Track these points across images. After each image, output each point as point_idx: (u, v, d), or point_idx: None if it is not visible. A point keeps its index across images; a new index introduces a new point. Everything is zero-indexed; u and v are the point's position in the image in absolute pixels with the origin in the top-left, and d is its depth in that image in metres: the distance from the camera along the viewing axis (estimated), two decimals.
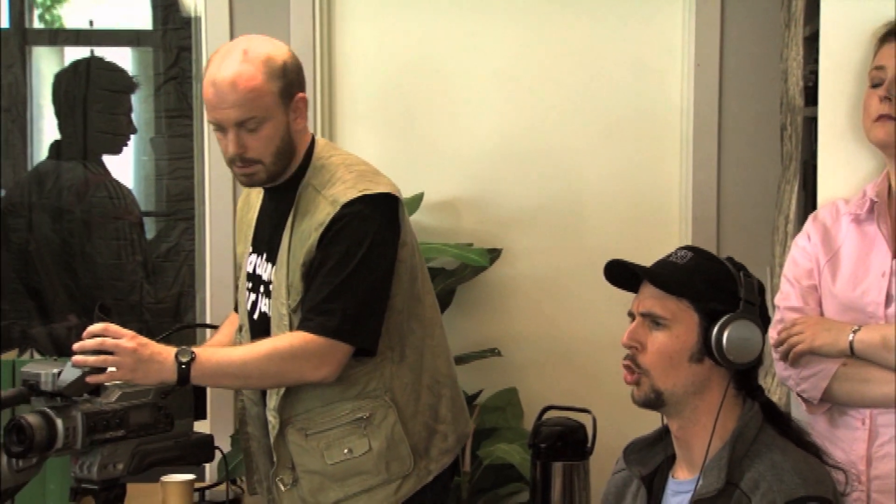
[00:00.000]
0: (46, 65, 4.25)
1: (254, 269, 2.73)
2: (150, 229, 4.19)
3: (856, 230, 2.54)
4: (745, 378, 2.10)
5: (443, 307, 2.95)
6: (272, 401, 2.66)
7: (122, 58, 4.20)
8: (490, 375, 3.72)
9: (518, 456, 3.33)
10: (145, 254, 4.12)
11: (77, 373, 2.36)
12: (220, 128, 2.58)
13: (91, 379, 2.37)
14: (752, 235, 3.62)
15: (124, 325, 2.47)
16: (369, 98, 3.81)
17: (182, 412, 2.55)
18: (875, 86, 2.51)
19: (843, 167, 2.68)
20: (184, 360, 2.45)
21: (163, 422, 2.49)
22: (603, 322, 3.67)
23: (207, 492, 3.23)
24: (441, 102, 3.80)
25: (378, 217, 2.58)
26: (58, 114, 4.12)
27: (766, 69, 3.60)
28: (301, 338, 2.54)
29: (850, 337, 2.43)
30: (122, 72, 4.16)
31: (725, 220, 3.74)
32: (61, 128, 4.11)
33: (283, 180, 2.66)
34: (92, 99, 4.09)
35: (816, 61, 2.76)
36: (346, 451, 2.63)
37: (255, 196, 2.79)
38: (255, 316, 2.72)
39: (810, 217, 2.65)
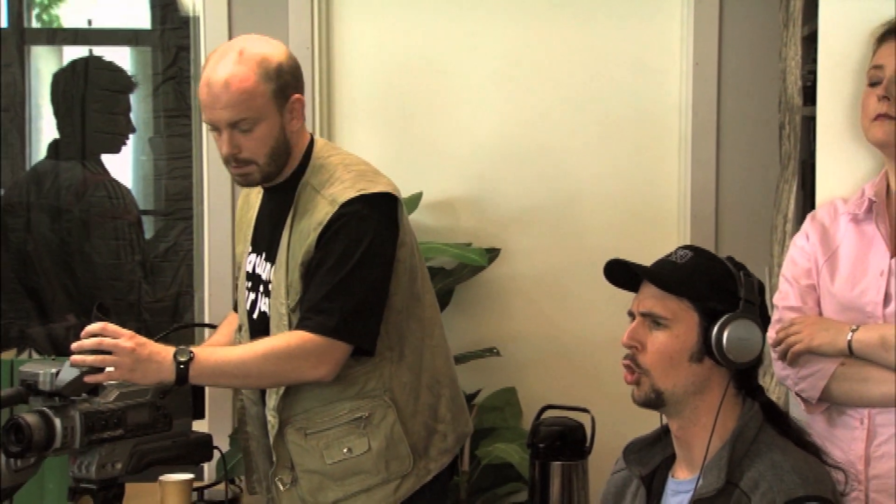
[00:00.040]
0: (45, 64, 4.25)
1: (253, 269, 2.73)
2: (149, 229, 4.19)
3: (854, 230, 2.54)
4: (745, 378, 2.10)
5: (441, 307, 2.95)
6: (272, 400, 2.66)
7: (121, 57, 4.20)
8: (488, 375, 3.72)
9: (517, 455, 3.33)
10: (144, 253, 4.12)
11: (75, 372, 2.36)
12: (214, 128, 2.58)
13: (89, 379, 2.37)
14: (751, 235, 3.62)
15: (123, 324, 2.47)
16: (368, 97, 3.81)
17: (180, 412, 2.55)
18: (873, 85, 2.51)
19: (842, 166, 2.68)
20: (182, 359, 2.44)
21: (161, 421, 2.49)
22: (601, 321, 3.67)
23: (206, 491, 3.23)
24: (440, 102, 3.80)
25: (377, 217, 2.58)
26: (56, 113, 4.12)
27: (765, 68, 3.60)
28: (299, 337, 2.54)
29: (849, 336, 2.43)
30: (120, 71, 4.16)
31: (724, 219, 3.74)
32: (60, 127, 4.11)
33: (282, 180, 2.66)
34: (90, 98, 4.09)
35: (815, 61, 2.76)
36: (345, 450, 2.63)
37: (255, 196, 2.79)
38: (255, 315, 2.72)
39: (809, 216, 2.65)
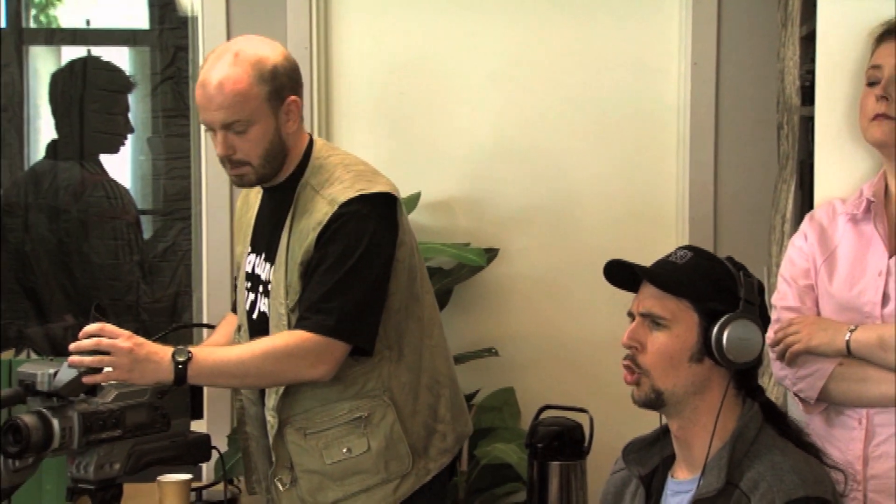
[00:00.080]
0: (43, 64, 4.25)
1: (252, 269, 2.73)
2: (147, 229, 4.19)
3: (852, 230, 2.54)
4: (745, 378, 2.10)
5: (440, 307, 2.94)
6: (271, 400, 2.66)
7: (119, 57, 4.19)
8: (487, 375, 3.72)
9: (515, 456, 3.33)
10: (142, 253, 4.12)
11: (73, 373, 2.35)
12: (210, 128, 2.58)
13: (87, 379, 2.37)
14: (749, 235, 3.62)
15: (121, 324, 2.47)
16: (366, 98, 3.80)
17: (178, 412, 2.55)
18: (871, 85, 2.51)
19: (840, 167, 2.68)
20: (181, 359, 2.44)
21: (159, 421, 2.49)
22: (600, 322, 3.67)
23: (204, 491, 3.23)
24: (438, 102, 3.80)
25: (376, 216, 2.58)
26: (54, 113, 4.11)
27: (763, 68, 3.60)
28: (298, 336, 2.54)
29: (847, 336, 2.43)
30: (118, 71, 4.15)
31: (722, 219, 3.74)
32: (58, 127, 4.11)
33: (281, 180, 2.66)
34: (89, 98, 4.08)
35: (813, 61, 2.76)
36: (344, 450, 2.63)
37: (255, 196, 2.79)
38: (254, 316, 2.72)
39: (807, 217, 2.65)
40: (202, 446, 2.60)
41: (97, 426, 2.37)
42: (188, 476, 2.86)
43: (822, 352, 2.46)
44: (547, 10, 3.78)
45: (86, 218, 4.08)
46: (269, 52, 2.59)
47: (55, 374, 2.35)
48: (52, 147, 4.10)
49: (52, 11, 4.34)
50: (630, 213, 3.79)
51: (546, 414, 2.68)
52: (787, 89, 3.18)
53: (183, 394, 2.55)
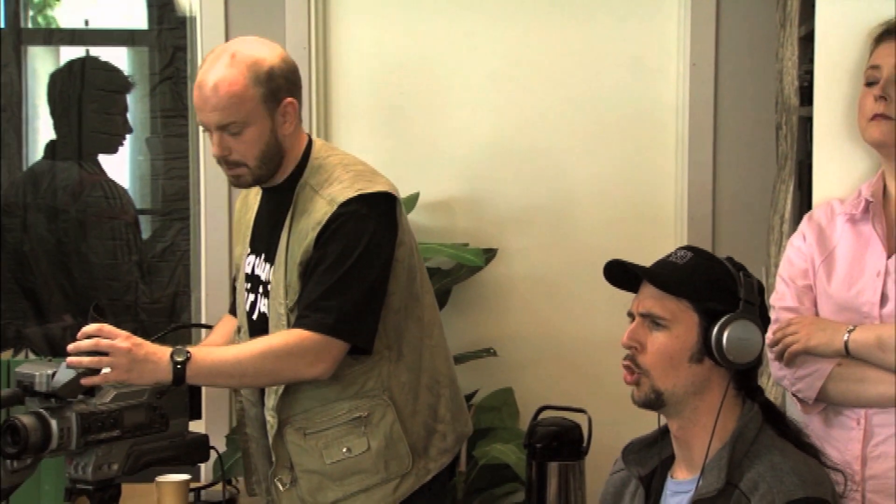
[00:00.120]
0: (41, 64, 4.24)
1: (252, 270, 2.73)
2: (146, 229, 4.18)
3: (851, 230, 2.54)
4: (744, 378, 2.10)
5: (438, 307, 2.94)
6: (270, 400, 2.66)
7: (118, 57, 4.19)
8: (486, 375, 3.72)
9: (514, 456, 3.33)
10: (141, 254, 4.11)
11: (72, 374, 2.35)
12: (206, 129, 2.59)
13: (86, 381, 2.37)
14: (748, 235, 3.62)
15: (120, 325, 2.47)
16: (365, 98, 3.80)
17: (177, 412, 2.55)
18: (870, 85, 2.51)
19: (839, 167, 2.68)
20: (179, 359, 2.44)
21: (158, 422, 2.49)
22: (599, 322, 3.67)
23: (203, 492, 3.22)
24: (437, 102, 3.80)
25: (375, 216, 2.58)
26: (53, 113, 4.11)
27: (762, 69, 3.60)
28: (296, 335, 2.54)
29: (845, 337, 2.43)
30: (117, 71, 4.15)
31: (721, 219, 3.74)
32: (56, 128, 4.10)
33: (280, 181, 2.66)
34: (87, 99, 4.08)
35: (812, 61, 2.76)
36: (344, 450, 2.63)
37: (254, 197, 2.79)
38: (255, 317, 2.72)
39: (805, 217, 2.65)
40: (200, 447, 2.60)
41: (95, 427, 2.37)
42: (186, 476, 2.86)
43: (820, 352, 2.46)
44: (546, 11, 3.78)
45: (84, 218, 4.08)
46: (266, 53, 2.58)
47: (53, 374, 2.35)
48: (51, 147, 4.10)
49: (50, 12, 4.34)
50: (628, 214, 3.79)
51: (545, 414, 2.68)
52: (785, 89, 3.18)
53: (181, 394, 2.55)
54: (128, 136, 4.14)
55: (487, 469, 3.47)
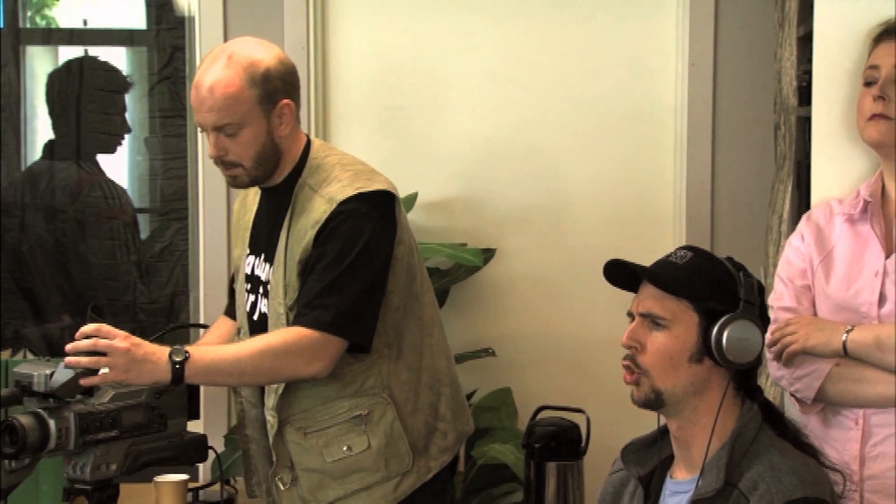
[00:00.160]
0: (40, 64, 4.24)
1: (252, 270, 2.73)
2: (144, 229, 4.18)
3: (849, 230, 2.54)
4: (744, 378, 2.10)
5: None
6: (270, 400, 2.66)
7: (116, 57, 4.19)
8: (484, 375, 3.72)
9: (512, 456, 3.33)
10: (139, 253, 4.11)
11: (70, 374, 2.35)
12: (203, 130, 2.59)
13: (85, 381, 2.37)
14: (746, 235, 3.62)
15: (118, 325, 2.47)
16: (363, 98, 3.80)
17: (175, 412, 2.55)
18: (869, 85, 2.51)
19: (837, 167, 2.68)
20: (178, 359, 2.44)
21: (156, 422, 2.49)
22: (597, 321, 3.67)
23: (201, 492, 3.22)
24: (435, 102, 3.80)
25: (374, 215, 2.59)
26: (51, 113, 4.11)
27: (761, 69, 3.60)
28: (295, 333, 2.54)
29: (844, 337, 2.43)
30: (115, 71, 4.15)
31: (719, 219, 3.74)
32: (55, 127, 4.10)
33: (278, 181, 2.66)
34: (86, 99, 4.08)
35: (810, 61, 2.76)
36: (345, 448, 2.63)
37: (253, 198, 2.79)
38: (255, 317, 2.72)
39: (804, 217, 2.65)
40: (199, 446, 2.60)
41: (94, 427, 2.37)
42: (185, 476, 2.85)
43: (818, 352, 2.46)
44: (545, 11, 3.78)
45: (83, 218, 4.08)
46: (263, 54, 2.58)
47: (52, 374, 2.35)
48: (49, 147, 4.10)
49: (48, 11, 4.34)
50: (627, 213, 3.79)
51: (543, 414, 2.68)
52: (784, 90, 3.18)
53: (180, 394, 2.55)
54: (126, 136, 4.14)
55: (486, 469, 3.47)
